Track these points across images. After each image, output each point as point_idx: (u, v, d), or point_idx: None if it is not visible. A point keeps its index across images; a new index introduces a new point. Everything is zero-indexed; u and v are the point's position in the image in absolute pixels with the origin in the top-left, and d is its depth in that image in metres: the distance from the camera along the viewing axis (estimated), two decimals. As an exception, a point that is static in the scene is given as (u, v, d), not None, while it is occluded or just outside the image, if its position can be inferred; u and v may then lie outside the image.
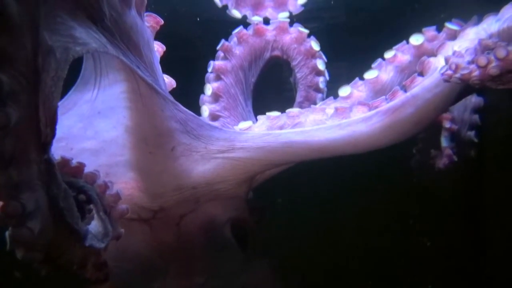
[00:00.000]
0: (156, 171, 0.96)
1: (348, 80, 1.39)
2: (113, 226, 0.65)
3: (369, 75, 1.16)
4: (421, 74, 0.92)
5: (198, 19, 1.71)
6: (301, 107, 1.27)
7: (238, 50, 1.30)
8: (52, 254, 0.57)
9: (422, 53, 1.11)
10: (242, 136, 0.96)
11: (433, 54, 0.99)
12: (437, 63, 0.87)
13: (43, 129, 0.55)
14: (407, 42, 1.16)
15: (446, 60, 0.78)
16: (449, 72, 0.73)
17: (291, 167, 1.11)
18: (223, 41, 1.31)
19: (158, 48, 0.91)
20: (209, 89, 1.30)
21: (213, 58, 1.32)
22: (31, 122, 0.54)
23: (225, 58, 1.31)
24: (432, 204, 1.57)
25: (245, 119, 1.32)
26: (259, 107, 1.48)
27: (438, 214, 1.59)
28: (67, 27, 0.59)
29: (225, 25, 1.46)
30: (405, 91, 0.92)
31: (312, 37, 1.30)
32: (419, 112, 0.87)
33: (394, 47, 1.18)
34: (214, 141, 0.96)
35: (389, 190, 1.53)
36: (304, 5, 1.31)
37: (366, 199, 1.52)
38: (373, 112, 0.92)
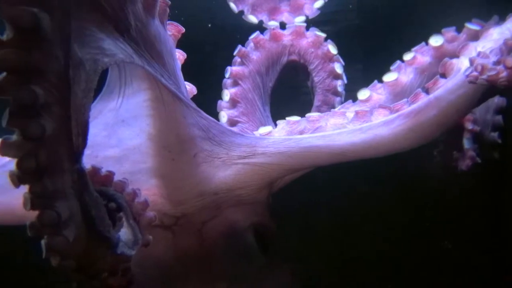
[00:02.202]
0: (178, 178, 0.97)
1: (363, 83, 1.39)
2: (142, 233, 0.65)
3: (388, 77, 1.16)
4: (443, 75, 0.91)
5: (209, 25, 1.73)
6: (319, 111, 1.27)
7: (255, 55, 1.31)
8: (85, 262, 0.58)
9: (442, 54, 1.10)
10: (263, 142, 0.97)
11: (454, 55, 0.98)
12: (460, 64, 0.86)
13: (75, 140, 0.56)
14: (426, 44, 1.16)
15: (471, 61, 0.77)
16: (475, 73, 0.72)
17: (310, 171, 1.11)
18: (239, 46, 1.32)
19: (179, 56, 0.92)
20: (226, 94, 1.31)
21: (229, 64, 1.33)
22: (63, 133, 0.55)
23: (242, 63, 1.32)
24: (453, 206, 1.55)
25: (263, 124, 1.32)
26: (274, 111, 1.48)
27: (459, 217, 1.57)
28: (95, 39, 0.60)
29: (240, 31, 1.47)
30: (427, 93, 0.91)
31: (329, 40, 1.30)
32: (442, 114, 0.87)
33: (413, 49, 1.17)
34: (236, 147, 0.96)
35: (407, 193, 1.52)
36: (320, 8, 1.31)
37: (384, 202, 1.51)
38: (395, 115, 0.91)
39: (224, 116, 1.29)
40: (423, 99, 0.90)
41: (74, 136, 0.56)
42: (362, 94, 1.17)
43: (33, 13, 0.50)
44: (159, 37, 0.75)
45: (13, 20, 0.50)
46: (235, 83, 1.30)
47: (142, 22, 0.69)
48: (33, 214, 0.91)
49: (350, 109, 1.15)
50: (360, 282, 1.44)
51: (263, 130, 1.07)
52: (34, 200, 0.52)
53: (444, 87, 0.86)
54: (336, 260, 1.40)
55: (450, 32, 1.12)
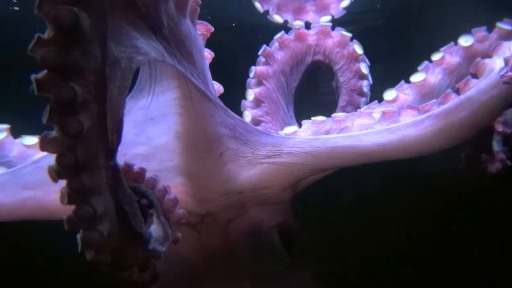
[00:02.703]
0: (204, 176, 0.97)
1: (386, 84, 1.37)
2: (172, 230, 0.66)
3: (415, 78, 1.14)
4: (475, 76, 0.90)
5: (233, 24, 1.73)
6: (344, 111, 1.26)
7: (279, 55, 1.31)
8: (118, 256, 0.59)
9: (472, 55, 1.08)
10: (289, 141, 0.97)
11: (484, 55, 0.96)
12: (493, 64, 0.84)
13: (110, 136, 0.58)
14: (455, 44, 1.14)
15: (506, 61, 0.75)
16: (510, 73, 0.71)
17: (334, 171, 1.10)
18: (264, 46, 1.32)
19: (207, 55, 0.93)
20: (251, 94, 1.31)
21: (253, 64, 1.33)
22: (100, 130, 0.56)
23: (266, 63, 1.32)
24: (480, 210, 1.52)
25: (287, 124, 1.32)
26: (296, 111, 1.48)
27: (486, 221, 1.54)
28: (130, 37, 0.61)
29: (262, 31, 1.47)
30: (458, 94, 0.90)
31: (355, 40, 1.29)
32: (473, 115, 0.85)
33: (442, 49, 1.15)
34: (261, 146, 0.96)
35: (433, 195, 1.50)
36: (345, 8, 1.31)
37: (409, 204, 1.49)
38: (424, 116, 0.90)
39: (248, 115, 1.30)
40: (453, 99, 0.88)
41: (109, 133, 0.57)
42: (389, 94, 1.16)
43: (74, 13, 0.51)
44: (189, 36, 0.75)
45: (55, 19, 0.51)
46: (259, 83, 1.31)
47: (174, 21, 0.70)
48: (63, 210, 0.93)
49: (376, 109, 1.14)
50: (383, 285, 1.43)
51: (289, 129, 1.07)
52: (71, 195, 0.54)
53: (476, 88, 0.85)
54: (359, 262, 1.39)
55: (480, 32, 1.10)
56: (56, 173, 0.53)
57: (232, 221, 1.02)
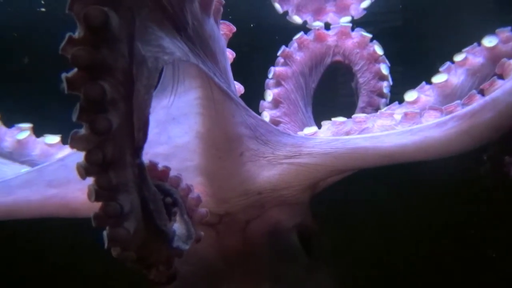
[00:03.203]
0: (224, 176, 0.98)
1: (403, 86, 1.35)
2: (195, 229, 0.66)
3: (437, 79, 1.13)
4: (500, 77, 0.88)
5: (252, 25, 1.74)
6: (363, 112, 1.25)
7: (298, 56, 1.31)
8: (143, 254, 0.59)
9: (496, 55, 1.07)
10: (310, 142, 0.96)
11: (509, 56, 0.94)
12: (520, 65, 0.82)
13: (136, 135, 0.58)
14: (479, 44, 1.12)
15: (534, 62, 0.74)
16: (539, 74, 0.69)
17: (353, 173, 1.09)
18: (283, 47, 1.32)
19: (229, 55, 0.93)
20: (269, 95, 1.31)
21: (270, 64, 1.34)
22: (127, 128, 0.57)
23: (285, 64, 1.32)
24: (500, 214, 1.49)
25: (305, 125, 1.32)
26: (314, 112, 1.47)
27: (505, 225, 1.51)
28: (156, 37, 0.62)
29: (279, 31, 1.48)
30: (483, 95, 0.88)
31: (375, 41, 1.28)
32: (499, 116, 0.83)
33: (464, 50, 1.14)
34: (282, 146, 0.96)
35: (452, 197, 1.47)
36: (366, 9, 1.30)
37: (428, 206, 1.47)
38: (447, 117, 0.88)
39: (266, 116, 1.30)
40: (478, 100, 0.87)
41: (136, 131, 0.58)
42: (409, 95, 1.15)
43: (104, 12, 0.52)
44: (213, 35, 0.76)
45: (85, 18, 0.52)
46: (278, 84, 1.31)
47: (199, 20, 0.71)
48: (86, 208, 0.94)
49: (396, 111, 1.12)
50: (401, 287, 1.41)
51: (308, 130, 1.07)
52: (99, 192, 0.54)
53: (502, 89, 0.83)
54: (377, 264, 1.37)
55: (505, 32, 1.08)
56: (84, 170, 0.54)
57: (251, 221, 1.02)
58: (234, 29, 0.89)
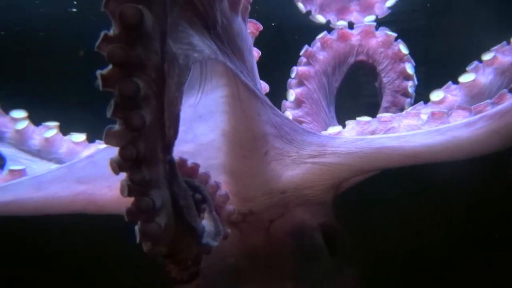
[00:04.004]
0: (248, 175, 0.98)
1: (427, 86, 1.33)
2: (223, 226, 0.67)
3: (465, 78, 1.11)
4: (532, 76, 0.86)
5: (273, 24, 1.74)
6: (387, 112, 1.24)
7: (321, 56, 1.31)
8: (173, 249, 0.60)
9: (526, 54, 1.04)
10: (335, 141, 0.96)
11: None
12: (554, 63, 0.80)
13: (167, 131, 0.59)
14: (508, 43, 1.10)
15: None
16: None
17: (377, 173, 1.08)
18: (306, 46, 1.32)
19: (255, 54, 0.93)
20: (291, 94, 1.31)
21: (291, 64, 1.33)
22: (159, 124, 0.57)
23: (308, 63, 1.32)
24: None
25: (328, 125, 1.31)
26: (336, 113, 1.46)
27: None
28: (187, 35, 0.62)
29: (300, 30, 1.47)
30: (514, 94, 0.86)
31: (399, 40, 1.26)
32: (532, 116, 0.81)
33: (493, 49, 1.12)
34: (306, 145, 0.96)
35: (478, 200, 1.44)
36: (390, 7, 1.28)
37: (454, 207, 1.44)
38: (477, 116, 0.87)
39: (288, 116, 1.30)
40: (509, 100, 0.85)
41: (167, 128, 0.59)
42: (435, 95, 1.13)
43: (139, 10, 0.53)
44: (241, 34, 0.76)
45: (120, 16, 0.53)
46: (301, 83, 1.31)
47: (227, 18, 0.71)
48: (112, 205, 0.95)
49: (422, 110, 1.11)
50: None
51: (333, 130, 1.06)
52: (132, 187, 0.55)
53: (535, 88, 0.81)
54: (401, 264, 1.36)
55: (536, 30, 1.05)
56: (117, 166, 0.55)
57: (274, 220, 1.02)
58: (261, 27, 0.89)
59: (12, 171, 0.90)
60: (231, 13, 0.73)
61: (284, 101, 1.32)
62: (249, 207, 1.00)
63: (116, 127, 0.54)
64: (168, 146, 0.59)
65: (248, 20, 0.86)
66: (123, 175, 0.96)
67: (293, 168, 0.99)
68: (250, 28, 0.87)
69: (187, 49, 0.62)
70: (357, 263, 1.09)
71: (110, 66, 0.54)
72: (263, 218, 1.01)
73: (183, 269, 1.00)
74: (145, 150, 0.55)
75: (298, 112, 1.30)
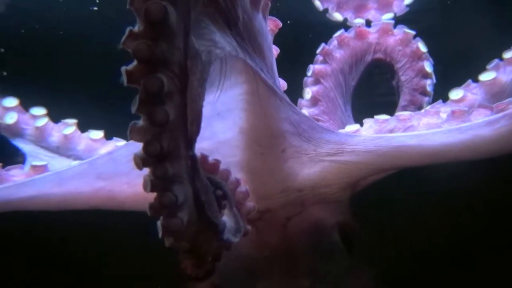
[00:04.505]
0: (265, 173, 0.98)
1: (442, 86, 1.31)
2: (243, 222, 0.67)
3: (485, 77, 1.09)
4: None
5: (289, 21, 1.73)
6: (405, 111, 1.23)
7: (338, 54, 1.30)
8: (195, 244, 0.60)
9: (549, 52, 1.02)
10: (353, 139, 0.95)
11: None
12: None
13: (189, 127, 0.59)
14: (530, 41, 1.08)
15: None
16: None
17: (394, 172, 1.07)
18: (323, 44, 1.31)
19: (273, 51, 0.93)
20: (308, 93, 1.31)
21: (311, 62, 1.33)
22: (181, 120, 0.58)
23: (324, 61, 1.31)
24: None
25: (344, 124, 1.30)
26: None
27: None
28: (209, 31, 0.62)
29: (315, 29, 1.46)
30: (537, 92, 0.85)
31: (418, 38, 1.25)
32: (556, 115, 0.80)
33: (515, 46, 1.10)
34: (324, 143, 0.95)
35: (497, 199, 1.42)
36: (409, 5, 1.27)
37: (474, 207, 1.42)
38: (499, 115, 0.85)
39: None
40: (533, 98, 0.83)
41: (189, 123, 0.59)
42: (455, 94, 1.12)
43: (163, 7, 0.53)
44: (261, 31, 0.76)
45: (145, 13, 0.53)
46: (317, 82, 1.30)
47: (249, 15, 0.71)
48: (131, 201, 0.96)
49: (441, 109, 1.10)
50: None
51: (350, 128, 1.06)
52: (155, 182, 0.56)
53: (560, 86, 0.79)
54: (418, 264, 1.34)
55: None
56: (141, 161, 0.55)
57: (291, 218, 1.02)
58: (280, 24, 0.89)
59: (34, 166, 0.91)
60: (252, 10, 0.73)
61: (300, 100, 1.31)
62: (266, 205, 1.00)
63: (140, 122, 0.55)
64: (191, 142, 0.60)
65: (268, 17, 0.86)
66: (142, 172, 0.97)
67: (311, 166, 0.98)
68: (270, 25, 0.87)
69: (210, 45, 0.62)
70: (373, 262, 1.09)
71: (135, 62, 0.54)
72: (280, 216, 1.01)
73: (201, 265, 1.00)
74: (169, 145, 0.56)
75: (314, 111, 1.30)
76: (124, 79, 0.54)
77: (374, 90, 1.64)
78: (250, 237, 1.04)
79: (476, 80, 1.15)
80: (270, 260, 1.02)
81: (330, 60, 1.29)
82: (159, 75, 0.54)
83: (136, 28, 0.55)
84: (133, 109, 0.54)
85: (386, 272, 1.12)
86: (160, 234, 0.58)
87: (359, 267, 1.03)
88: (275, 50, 0.95)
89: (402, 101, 1.25)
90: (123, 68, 0.54)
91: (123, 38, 0.54)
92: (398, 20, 1.38)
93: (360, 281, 1.03)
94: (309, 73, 1.30)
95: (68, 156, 1.25)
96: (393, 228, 1.32)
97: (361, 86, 1.45)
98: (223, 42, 0.65)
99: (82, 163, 0.88)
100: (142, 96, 0.54)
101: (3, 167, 0.99)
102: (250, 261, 1.03)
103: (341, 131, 1.09)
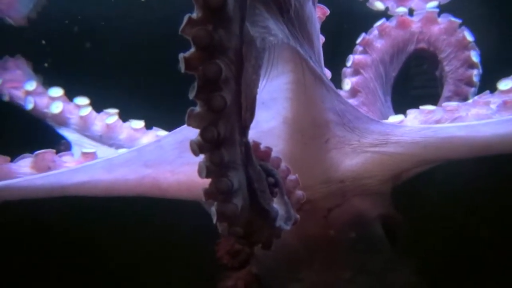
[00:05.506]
0: (307, 163, 0.97)
1: (486, 77, 1.26)
2: (294, 211, 0.67)
3: (538, 66, 1.04)
4: None
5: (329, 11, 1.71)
6: (449, 102, 1.19)
7: (379, 44, 1.27)
8: (248, 230, 0.60)
9: None
10: (399, 130, 0.93)
11: None
12: None
13: (243, 114, 0.59)
14: None
15: None
16: None
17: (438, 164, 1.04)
18: (363, 34, 1.29)
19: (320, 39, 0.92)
20: (347, 84, 1.29)
21: (350, 52, 1.31)
22: (236, 107, 0.58)
23: (364, 52, 1.29)
24: None
25: (384, 115, 1.28)
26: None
27: None
28: (263, 18, 0.62)
29: (359, 17, 1.43)
30: None
31: (464, 27, 1.21)
32: None
33: None
34: (369, 134, 0.94)
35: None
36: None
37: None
38: (557, 105, 0.82)
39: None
40: None
41: (243, 110, 0.59)
42: (504, 84, 1.07)
43: (223, -7, 0.53)
44: (311, 18, 0.75)
45: (205, 0, 0.53)
46: (357, 72, 1.28)
47: (300, 2, 0.71)
48: (174, 190, 0.98)
49: (490, 100, 1.06)
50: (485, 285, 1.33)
51: (394, 119, 1.03)
52: (211, 168, 0.56)
53: None
54: (462, 259, 1.31)
55: None
56: (198, 147, 0.56)
57: (332, 209, 1.01)
58: (328, 12, 0.88)
59: (85, 153, 0.94)
60: (303, -3, 0.72)
61: (339, 91, 1.29)
62: (307, 195, 0.99)
63: (197, 109, 0.55)
64: (245, 129, 0.60)
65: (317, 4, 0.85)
66: (185, 160, 0.98)
67: (353, 157, 0.97)
68: (318, 13, 0.86)
69: (263, 32, 0.62)
70: (415, 255, 1.07)
71: (193, 49, 0.55)
72: (321, 207, 1.00)
73: (236, 256, 1.01)
74: (225, 131, 0.56)
75: (353, 102, 1.28)
76: (182, 66, 0.55)
77: (409, 82, 1.60)
78: (292, 227, 1.04)
79: (526, 71, 1.10)
80: (310, 250, 1.01)
81: (370, 50, 1.27)
82: (217, 61, 0.54)
83: (194, 15, 0.55)
84: (191, 95, 0.55)
85: (427, 265, 1.10)
86: (214, 220, 0.58)
87: (401, 260, 1.02)
88: (321, 38, 0.94)
89: (446, 92, 1.21)
90: (181, 55, 0.55)
91: (182, 25, 0.54)
92: (443, 10, 1.33)
93: (402, 273, 1.02)
94: (348, 64, 1.28)
95: (110, 145, 1.28)
96: (435, 220, 1.29)
97: (396, 78, 1.42)
98: (276, 29, 0.65)
99: (131, 150, 0.90)
100: (200, 82, 0.54)
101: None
102: (290, 251, 1.03)
103: (385, 121, 1.07)
